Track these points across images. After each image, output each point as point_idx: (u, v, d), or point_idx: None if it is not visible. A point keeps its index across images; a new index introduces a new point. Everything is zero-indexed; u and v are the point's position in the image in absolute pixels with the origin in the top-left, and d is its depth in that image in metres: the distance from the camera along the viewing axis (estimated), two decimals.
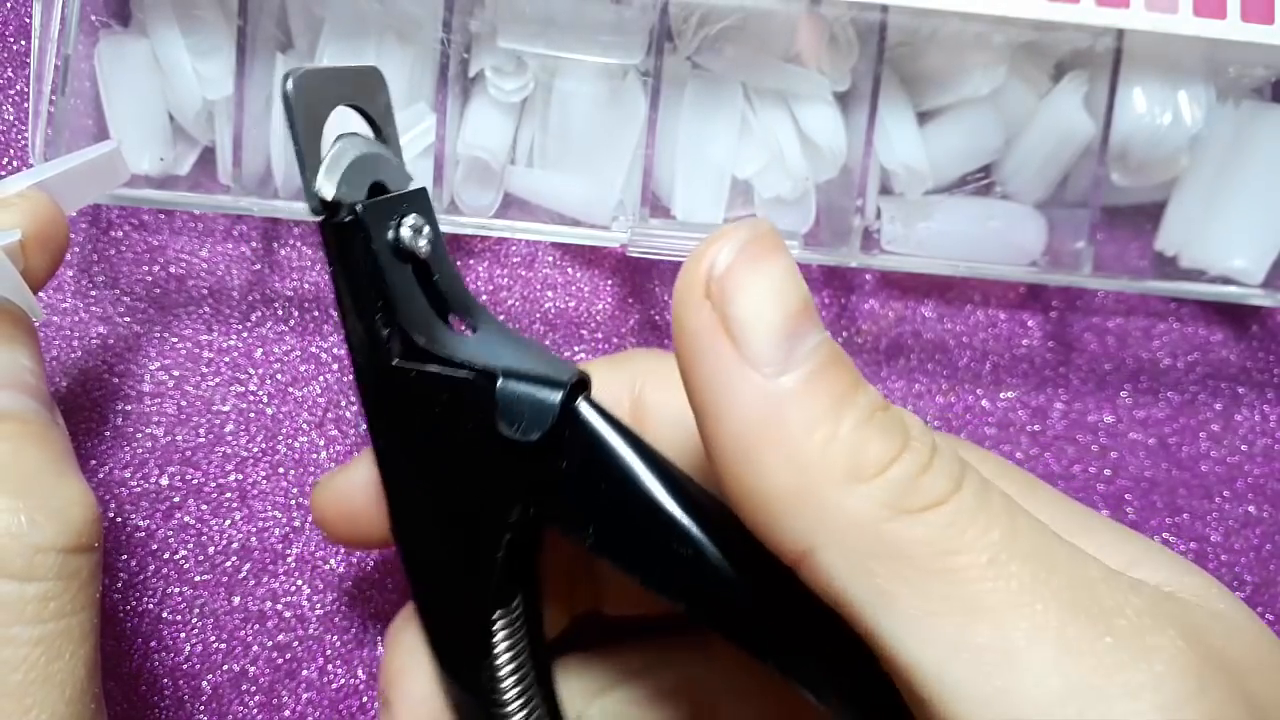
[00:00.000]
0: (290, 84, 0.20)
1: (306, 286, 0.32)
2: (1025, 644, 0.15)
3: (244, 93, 0.29)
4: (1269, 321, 0.35)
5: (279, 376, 0.32)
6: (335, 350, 0.32)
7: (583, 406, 0.20)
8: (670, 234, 0.30)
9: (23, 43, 0.33)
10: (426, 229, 0.22)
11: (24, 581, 0.19)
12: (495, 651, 0.22)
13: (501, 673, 0.22)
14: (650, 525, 0.19)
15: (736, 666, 0.25)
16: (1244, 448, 0.34)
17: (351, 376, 0.32)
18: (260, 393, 0.32)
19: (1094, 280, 0.31)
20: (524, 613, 0.23)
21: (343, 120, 0.22)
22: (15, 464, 0.20)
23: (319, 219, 0.21)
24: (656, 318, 0.33)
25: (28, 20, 0.32)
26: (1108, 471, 0.34)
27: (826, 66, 0.30)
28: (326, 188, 0.20)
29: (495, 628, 0.22)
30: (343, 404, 0.32)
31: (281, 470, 0.32)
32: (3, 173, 0.32)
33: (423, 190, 0.22)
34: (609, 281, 0.33)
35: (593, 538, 0.20)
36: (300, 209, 0.30)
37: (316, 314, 0.32)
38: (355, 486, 0.25)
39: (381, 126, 0.23)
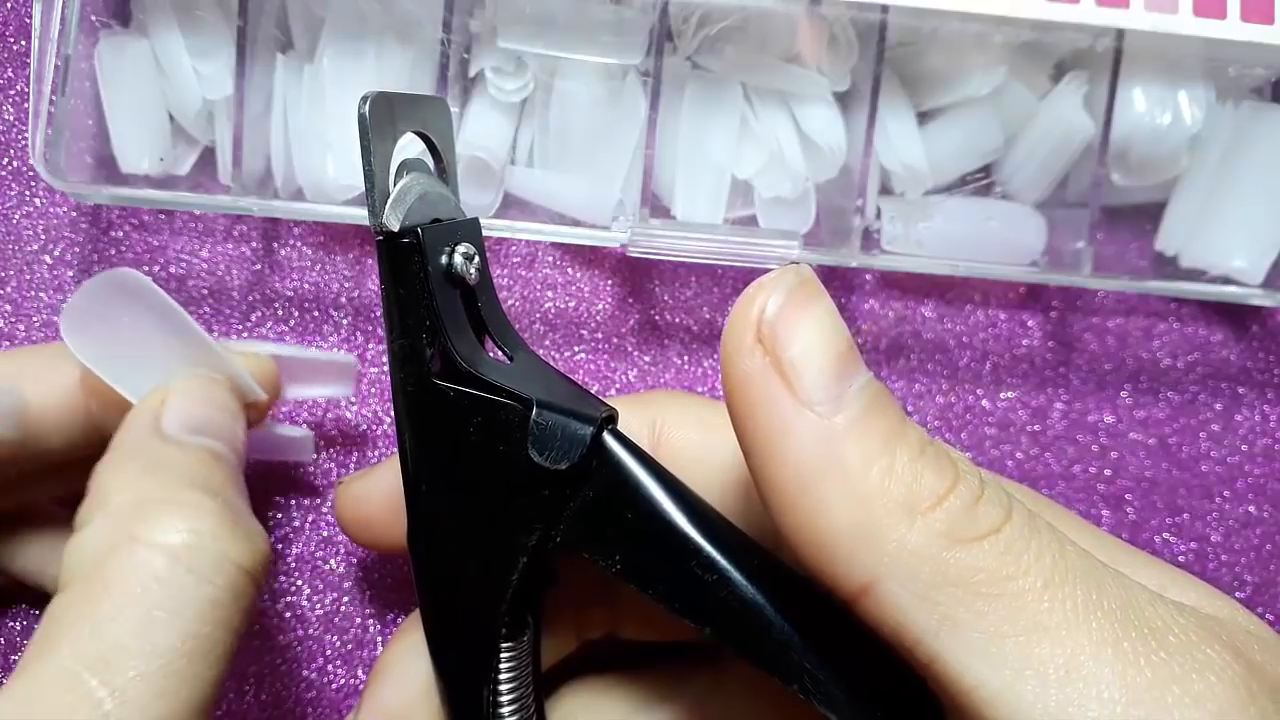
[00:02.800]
0: (366, 105, 0.20)
1: (306, 286, 0.32)
2: (1086, 658, 0.16)
3: (244, 93, 0.29)
4: (1269, 321, 0.35)
5: None
6: (335, 350, 0.32)
7: (611, 440, 0.21)
8: (670, 234, 0.30)
9: (23, 43, 0.33)
10: (477, 258, 0.23)
11: (203, 580, 0.20)
12: (500, 676, 0.23)
13: (503, 699, 0.23)
14: (676, 552, 0.20)
15: (750, 691, 0.25)
16: (1244, 448, 0.34)
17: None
18: None
19: (1094, 280, 0.31)
20: (530, 641, 0.24)
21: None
22: (225, 488, 0.23)
23: (379, 238, 0.22)
24: (656, 318, 0.33)
25: (28, 20, 0.32)
26: (1108, 471, 0.34)
27: (826, 66, 0.30)
28: (393, 221, 0.21)
29: (502, 653, 0.23)
30: (342, 404, 0.32)
31: (282, 470, 0.32)
32: (2, 173, 0.32)
33: (475, 221, 0.23)
34: (609, 281, 0.33)
35: (619, 564, 0.21)
36: (299, 209, 0.30)
37: (316, 314, 0.32)
38: (375, 493, 0.26)
39: (443, 156, 0.24)
